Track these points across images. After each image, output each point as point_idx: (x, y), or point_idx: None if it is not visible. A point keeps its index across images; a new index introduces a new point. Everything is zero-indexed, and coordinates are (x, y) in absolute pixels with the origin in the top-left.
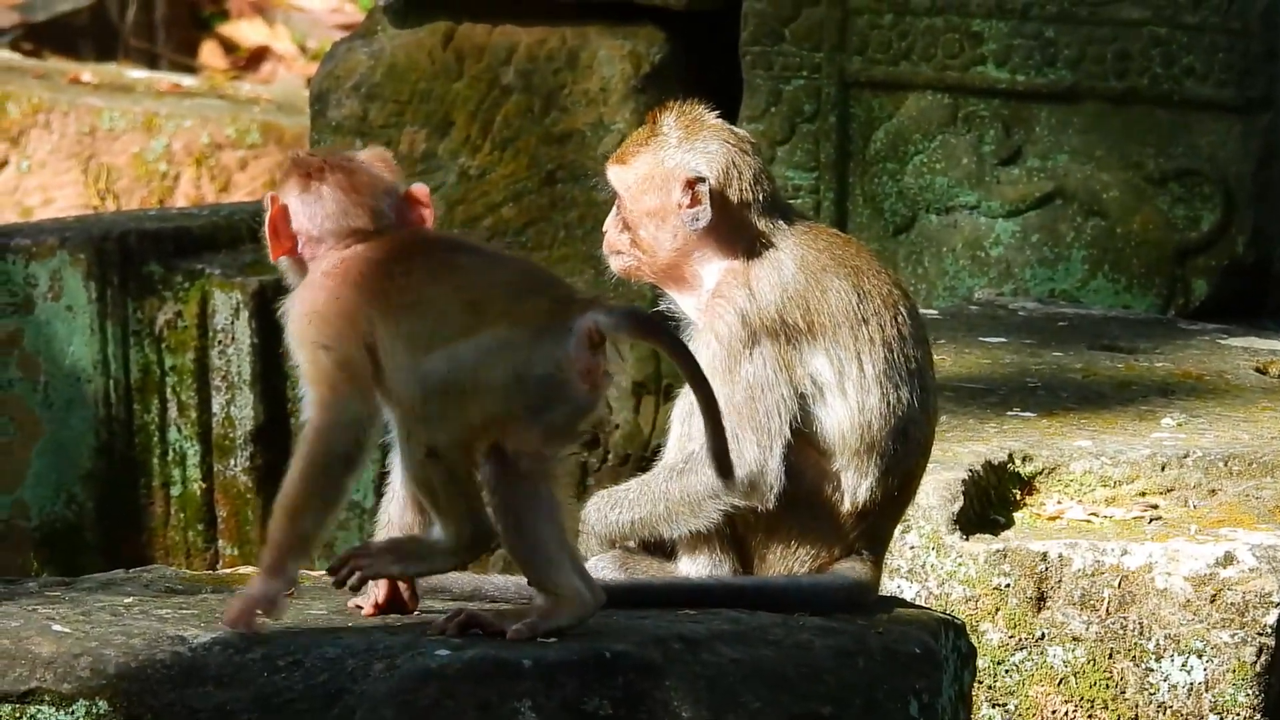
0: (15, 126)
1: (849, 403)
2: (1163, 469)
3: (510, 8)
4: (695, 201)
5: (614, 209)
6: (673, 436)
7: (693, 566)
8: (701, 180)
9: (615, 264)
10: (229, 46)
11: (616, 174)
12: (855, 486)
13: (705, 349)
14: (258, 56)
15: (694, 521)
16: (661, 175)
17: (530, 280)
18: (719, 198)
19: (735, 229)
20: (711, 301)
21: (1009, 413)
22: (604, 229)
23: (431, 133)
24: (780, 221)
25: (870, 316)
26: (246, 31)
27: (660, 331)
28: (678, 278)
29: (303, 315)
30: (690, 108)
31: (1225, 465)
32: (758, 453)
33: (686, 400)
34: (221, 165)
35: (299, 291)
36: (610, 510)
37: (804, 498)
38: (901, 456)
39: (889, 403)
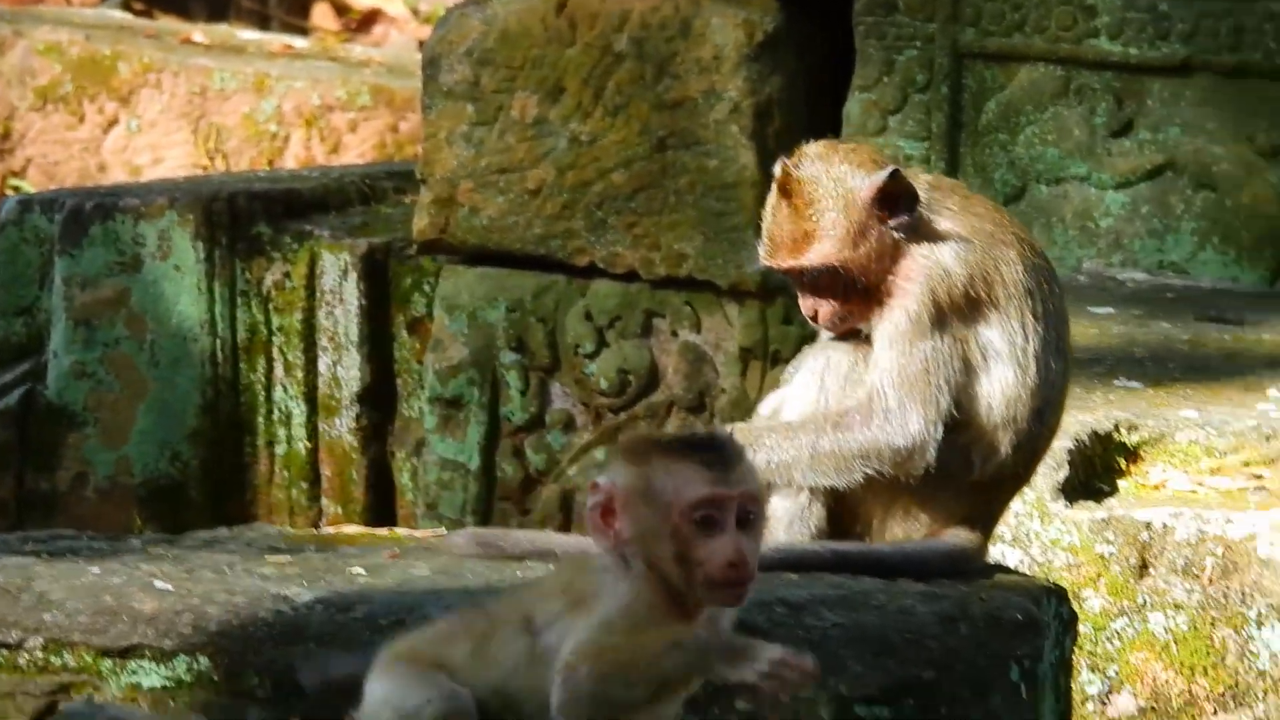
0: (126, 86)
1: (1007, 375)
2: (1268, 440)
3: None
4: (894, 207)
5: (811, 290)
6: (802, 389)
7: (783, 503)
8: (893, 179)
9: (836, 330)
10: (341, 9)
11: (823, 251)
12: (985, 459)
13: (889, 323)
14: (369, 19)
15: (836, 478)
16: (859, 214)
17: None
18: (896, 195)
19: (910, 219)
20: (900, 284)
21: (1116, 382)
22: (812, 313)
23: (543, 99)
24: (934, 195)
25: (1034, 288)
26: None
27: None
28: (879, 297)
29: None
30: (805, 149)
31: None
32: (922, 426)
33: (822, 356)
34: (332, 127)
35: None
36: (746, 448)
37: (933, 466)
38: (1035, 434)
39: (1042, 378)
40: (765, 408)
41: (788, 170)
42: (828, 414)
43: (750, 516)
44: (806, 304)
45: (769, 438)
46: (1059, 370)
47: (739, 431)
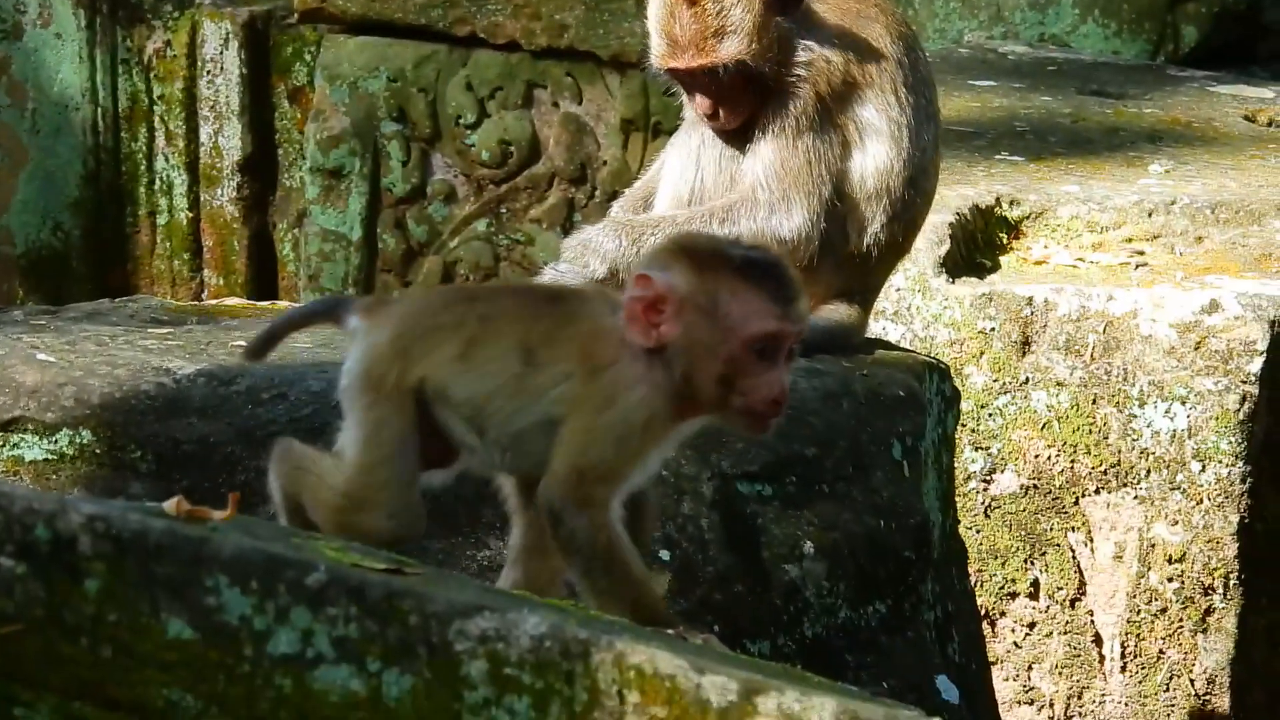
0: None
1: (881, 149)
2: (1150, 215)
3: None
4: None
5: (710, 90)
6: (679, 163)
7: None
8: None
9: (732, 126)
10: None
11: (733, 48)
12: (860, 231)
13: (775, 117)
14: None
15: None
16: (760, 9)
17: None
18: None
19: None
20: (787, 77)
21: (997, 156)
22: (711, 112)
23: None
24: None
25: (902, 59)
26: None
27: None
28: (770, 91)
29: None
30: None
31: (1212, 213)
32: (806, 217)
33: (697, 133)
34: None
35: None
36: (630, 243)
37: (816, 254)
38: (910, 202)
39: (915, 147)
40: (640, 184)
41: None
42: (713, 208)
43: (794, 350)
44: (704, 104)
45: (655, 233)
46: (931, 138)
47: (625, 226)
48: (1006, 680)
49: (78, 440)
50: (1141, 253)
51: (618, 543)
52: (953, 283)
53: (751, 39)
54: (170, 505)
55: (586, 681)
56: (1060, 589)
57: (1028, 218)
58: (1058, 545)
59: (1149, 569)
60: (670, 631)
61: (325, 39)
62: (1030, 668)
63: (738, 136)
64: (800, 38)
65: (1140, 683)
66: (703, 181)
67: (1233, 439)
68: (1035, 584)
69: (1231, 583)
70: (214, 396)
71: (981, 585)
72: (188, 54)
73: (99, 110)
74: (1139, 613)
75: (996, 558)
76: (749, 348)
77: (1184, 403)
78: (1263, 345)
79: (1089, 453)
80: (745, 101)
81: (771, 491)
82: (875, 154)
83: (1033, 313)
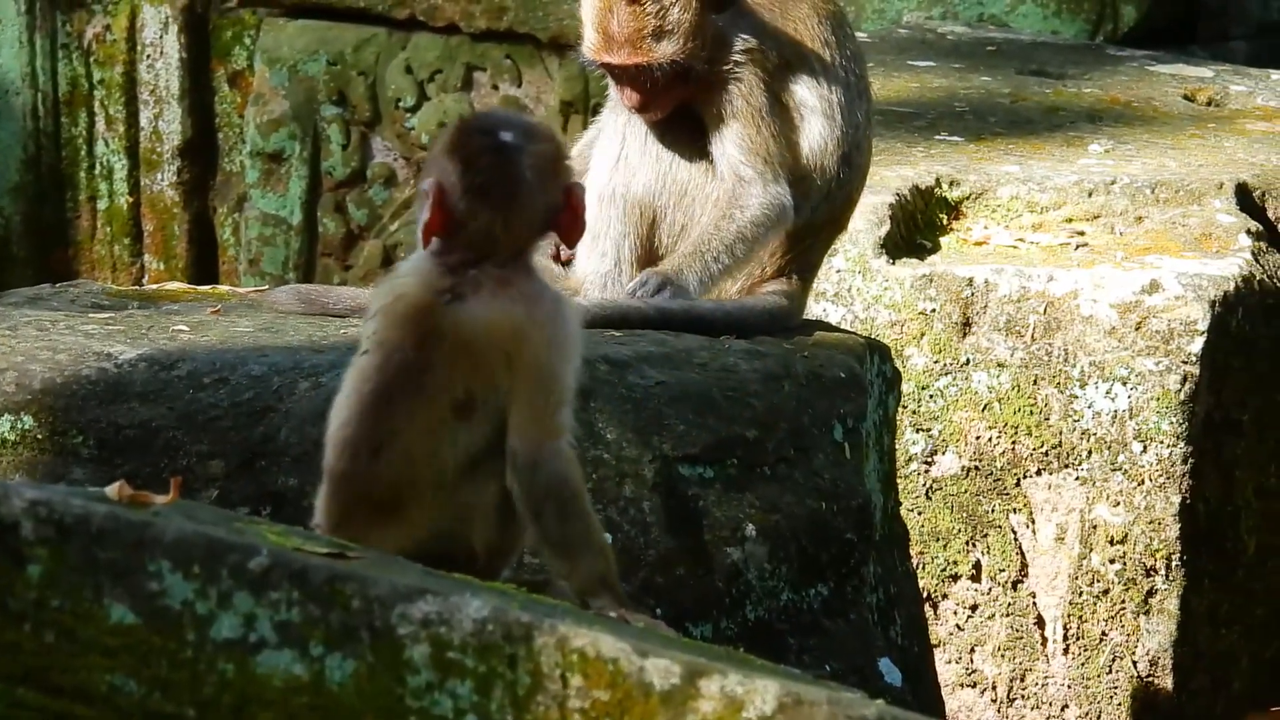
0: None
1: (815, 126)
2: (1090, 195)
3: None
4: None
5: (640, 84)
6: (607, 143)
7: (596, 266)
8: None
9: (657, 118)
10: None
11: (668, 49)
12: (795, 209)
13: (726, 104)
14: None
15: (762, 252)
16: (696, 8)
17: None
18: None
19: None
20: (724, 68)
21: (937, 137)
22: (638, 105)
23: None
24: None
25: (830, 38)
26: None
27: None
28: (705, 84)
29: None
30: None
31: (1152, 193)
32: (786, 186)
33: (623, 113)
34: None
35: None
36: (711, 265)
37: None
38: (844, 180)
39: (847, 123)
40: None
41: None
42: (715, 214)
43: None
44: (633, 97)
45: (696, 262)
46: (863, 114)
47: (669, 274)
48: (949, 663)
49: (19, 426)
50: (1082, 233)
51: (582, 479)
52: (893, 264)
53: (688, 39)
54: (112, 490)
55: (529, 665)
56: (1002, 571)
57: (968, 198)
58: (999, 527)
59: (1091, 550)
60: (613, 614)
61: (265, 23)
62: (973, 650)
63: (663, 121)
64: (735, 30)
65: (1083, 665)
66: (628, 155)
67: (1174, 419)
68: (977, 566)
69: (1173, 564)
70: (155, 381)
71: (923, 567)
72: (127, 38)
73: (39, 95)
74: (1081, 594)
75: (938, 540)
76: None
77: (1125, 383)
78: (1203, 325)
79: (1030, 434)
80: (675, 95)
81: (713, 474)
82: (809, 132)
83: (973, 294)
